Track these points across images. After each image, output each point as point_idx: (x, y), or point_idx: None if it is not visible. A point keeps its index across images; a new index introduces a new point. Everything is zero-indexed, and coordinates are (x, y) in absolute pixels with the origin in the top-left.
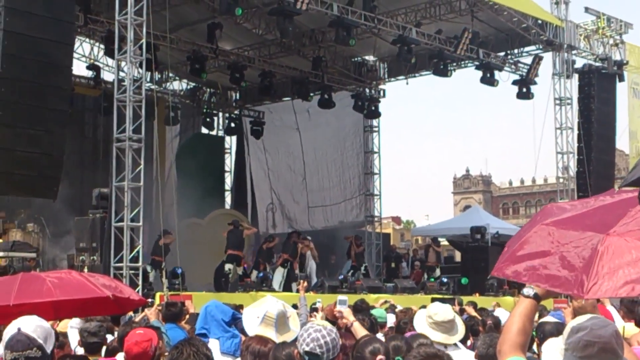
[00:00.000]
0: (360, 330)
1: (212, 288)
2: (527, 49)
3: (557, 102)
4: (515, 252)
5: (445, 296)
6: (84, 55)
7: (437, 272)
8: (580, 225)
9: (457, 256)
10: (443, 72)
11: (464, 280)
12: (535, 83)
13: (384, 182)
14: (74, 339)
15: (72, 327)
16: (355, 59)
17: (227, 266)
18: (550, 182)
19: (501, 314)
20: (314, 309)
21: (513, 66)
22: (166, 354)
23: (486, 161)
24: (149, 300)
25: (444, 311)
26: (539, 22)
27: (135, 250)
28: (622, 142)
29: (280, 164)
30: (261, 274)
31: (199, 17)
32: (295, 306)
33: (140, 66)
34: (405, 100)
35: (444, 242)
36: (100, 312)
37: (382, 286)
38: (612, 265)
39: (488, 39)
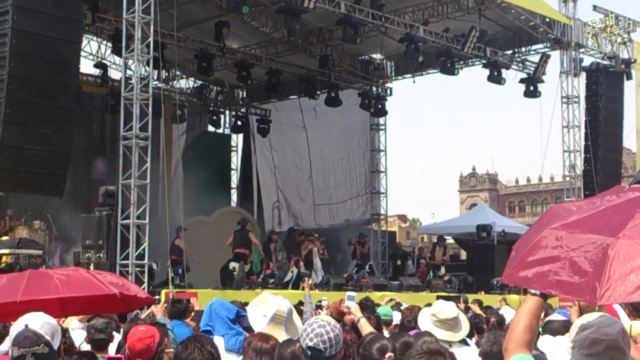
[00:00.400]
0: (366, 327)
1: (219, 285)
2: (534, 47)
3: (565, 100)
4: (524, 257)
5: (451, 294)
6: (92, 54)
7: (443, 270)
8: (588, 229)
9: (463, 254)
10: (450, 71)
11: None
12: (542, 81)
13: (390, 180)
14: (76, 340)
15: (72, 330)
16: (363, 57)
17: (232, 264)
18: (557, 181)
19: (507, 312)
20: (319, 307)
21: (520, 64)
22: (171, 350)
23: (493, 159)
24: (156, 297)
25: (448, 309)
26: (547, 20)
27: (141, 247)
28: (629, 140)
29: (286, 161)
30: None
31: (206, 15)
32: (301, 303)
33: (148, 64)
34: (412, 98)
35: (449, 240)
36: (107, 309)
37: (387, 284)
38: (623, 269)
39: (495, 37)
